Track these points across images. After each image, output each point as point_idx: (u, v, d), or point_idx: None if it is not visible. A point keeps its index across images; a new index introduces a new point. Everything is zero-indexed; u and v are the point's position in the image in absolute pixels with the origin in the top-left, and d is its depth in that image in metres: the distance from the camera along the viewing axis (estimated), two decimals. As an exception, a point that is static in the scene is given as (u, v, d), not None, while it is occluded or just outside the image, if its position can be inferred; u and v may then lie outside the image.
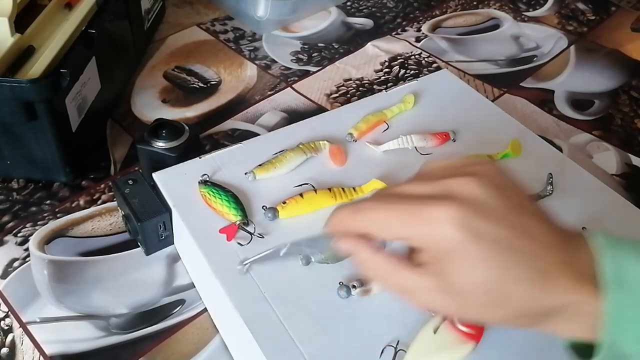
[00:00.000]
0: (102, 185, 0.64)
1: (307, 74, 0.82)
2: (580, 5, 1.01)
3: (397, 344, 0.43)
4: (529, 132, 0.63)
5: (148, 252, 0.57)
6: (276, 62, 0.84)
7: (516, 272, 0.31)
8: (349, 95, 0.79)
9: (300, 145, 0.58)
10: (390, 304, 0.46)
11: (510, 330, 0.45)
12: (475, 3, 1.01)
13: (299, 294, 0.46)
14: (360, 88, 0.80)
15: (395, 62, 0.85)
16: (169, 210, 0.53)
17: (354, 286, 0.46)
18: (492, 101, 0.73)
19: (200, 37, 0.88)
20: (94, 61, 0.64)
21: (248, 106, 0.76)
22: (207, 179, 0.54)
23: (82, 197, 0.63)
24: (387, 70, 0.84)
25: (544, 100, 0.80)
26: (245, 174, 0.55)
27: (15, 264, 0.56)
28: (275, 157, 0.57)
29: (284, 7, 0.89)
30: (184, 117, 0.74)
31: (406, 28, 0.93)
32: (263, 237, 0.51)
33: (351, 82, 0.81)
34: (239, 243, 0.50)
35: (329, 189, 0.54)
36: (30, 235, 0.59)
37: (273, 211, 0.52)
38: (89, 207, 0.62)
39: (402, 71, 0.84)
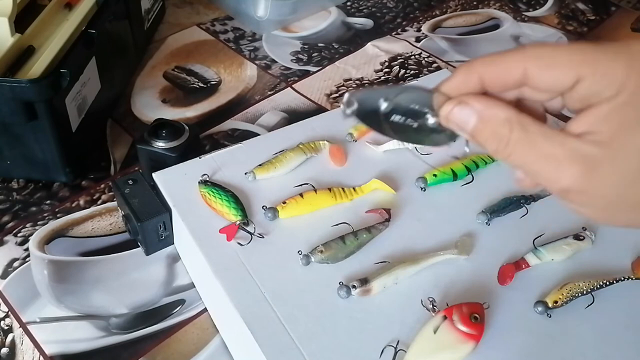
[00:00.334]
0: (102, 185, 0.64)
1: (307, 74, 0.82)
2: (580, 5, 1.01)
3: (397, 344, 0.43)
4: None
5: (148, 252, 0.57)
6: (276, 62, 0.84)
7: None
8: (349, 95, 0.79)
9: (300, 145, 0.58)
10: (390, 304, 0.46)
11: (510, 330, 0.45)
12: (475, 3, 1.01)
13: (299, 294, 0.46)
14: (360, 88, 0.80)
15: (395, 62, 0.85)
16: (169, 210, 0.53)
17: (354, 286, 0.46)
18: (492, 101, 0.72)
19: (200, 37, 0.88)
20: (94, 61, 0.64)
21: (248, 106, 0.76)
22: (207, 179, 0.54)
23: (82, 197, 0.63)
24: (387, 70, 0.84)
25: (544, 100, 0.80)
26: (245, 174, 0.55)
27: (15, 264, 0.56)
28: (275, 157, 0.57)
29: (284, 7, 0.89)
30: (184, 117, 0.74)
31: (406, 28, 0.93)
32: (263, 237, 0.51)
33: (351, 82, 0.81)
34: (239, 243, 0.50)
35: (329, 189, 0.54)
36: (30, 235, 0.59)
37: (273, 211, 0.52)
38: (89, 207, 0.62)
39: (402, 71, 0.84)
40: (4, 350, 0.50)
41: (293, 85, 0.80)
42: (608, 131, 0.28)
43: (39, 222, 0.60)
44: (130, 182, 0.55)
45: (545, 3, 1.01)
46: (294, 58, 0.85)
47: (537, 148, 0.29)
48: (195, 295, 0.55)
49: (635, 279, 0.49)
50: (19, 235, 0.59)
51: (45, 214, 0.61)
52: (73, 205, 0.62)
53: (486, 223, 0.53)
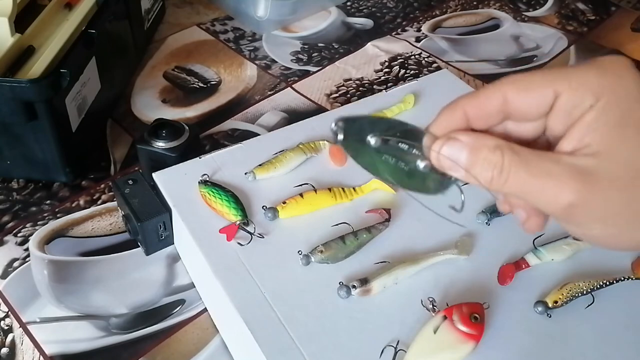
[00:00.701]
0: (102, 185, 0.64)
1: (307, 74, 0.82)
2: (580, 5, 1.01)
3: (397, 344, 0.43)
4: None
5: (148, 252, 0.57)
6: (276, 62, 0.84)
7: None
8: (349, 95, 0.79)
9: (300, 145, 0.58)
10: (390, 304, 0.46)
11: (510, 330, 0.45)
12: (475, 3, 1.01)
13: (299, 294, 0.46)
14: (360, 88, 0.80)
15: (395, 62, 0.85)
16: (169, 210, 0.53)
17: (354, 286, 0.46)
18: (492, 101, 0.72)
19: (200, 37, 0.88)
20: (94, 61, 0.64)
21: (248, 106, 0.76)
22: (207, 179, 0.54)
23: (82, 197, 0.63)
24: (387, 70, 0.84)
25: (544, 100, 0.80)
26: (245, 174, 0.55)
27: (15, 264, 0.56)
28: (275, 157, 0.57)
29: (284, 7, 0.89)
30: (184, 117, 0.74)
31: (406, 28, 0.93)
32: (263, 237, 0.51)
33: (351, 82, 0.81)
34: (239, 243, 0.50)
35: (329, 189, 0.54)
36: (30, 235, 0.59)
37: (273, 211, 0.52)
38: (89, 207, 0.62)
39: (402, 71, 0.84)
40: (4, 350, 0.50)
41: (293, 85, 0.80)
42: (598, 141, 0.28)
43: (39, 222, 0.60)
44: (130, 182, 0.55)
45: (545, 3, 1.01)
46: (294, 58, 0.85)
47: (532, 167, 0.29)
48: (195, 295, 0.55)
49: (635, 279, 0.49)
50: (19, 235, 0.59)
51: (45, 214, 0.61)
52: (73, 205, 0.62)
53: (486, 223, 0.53)
